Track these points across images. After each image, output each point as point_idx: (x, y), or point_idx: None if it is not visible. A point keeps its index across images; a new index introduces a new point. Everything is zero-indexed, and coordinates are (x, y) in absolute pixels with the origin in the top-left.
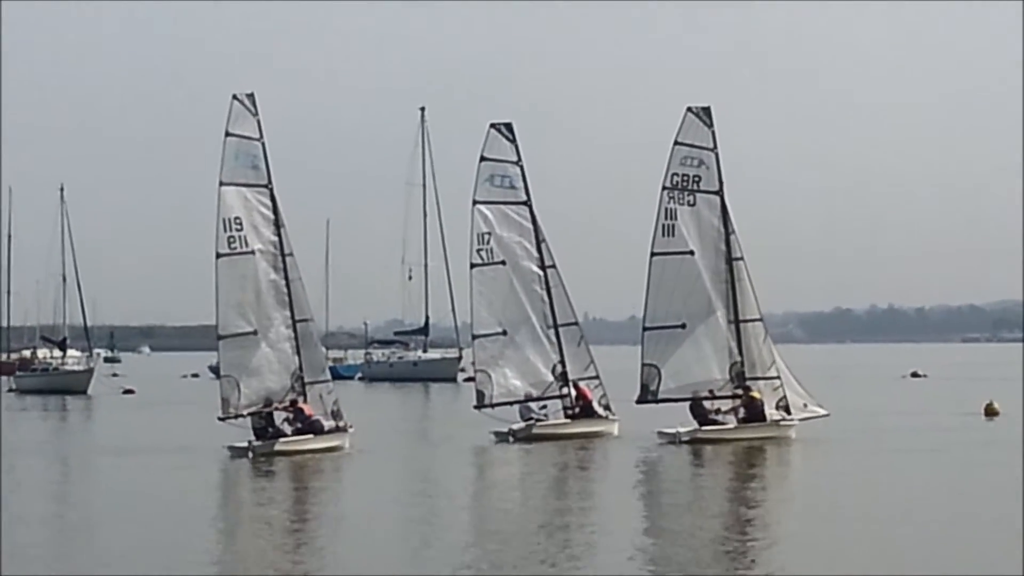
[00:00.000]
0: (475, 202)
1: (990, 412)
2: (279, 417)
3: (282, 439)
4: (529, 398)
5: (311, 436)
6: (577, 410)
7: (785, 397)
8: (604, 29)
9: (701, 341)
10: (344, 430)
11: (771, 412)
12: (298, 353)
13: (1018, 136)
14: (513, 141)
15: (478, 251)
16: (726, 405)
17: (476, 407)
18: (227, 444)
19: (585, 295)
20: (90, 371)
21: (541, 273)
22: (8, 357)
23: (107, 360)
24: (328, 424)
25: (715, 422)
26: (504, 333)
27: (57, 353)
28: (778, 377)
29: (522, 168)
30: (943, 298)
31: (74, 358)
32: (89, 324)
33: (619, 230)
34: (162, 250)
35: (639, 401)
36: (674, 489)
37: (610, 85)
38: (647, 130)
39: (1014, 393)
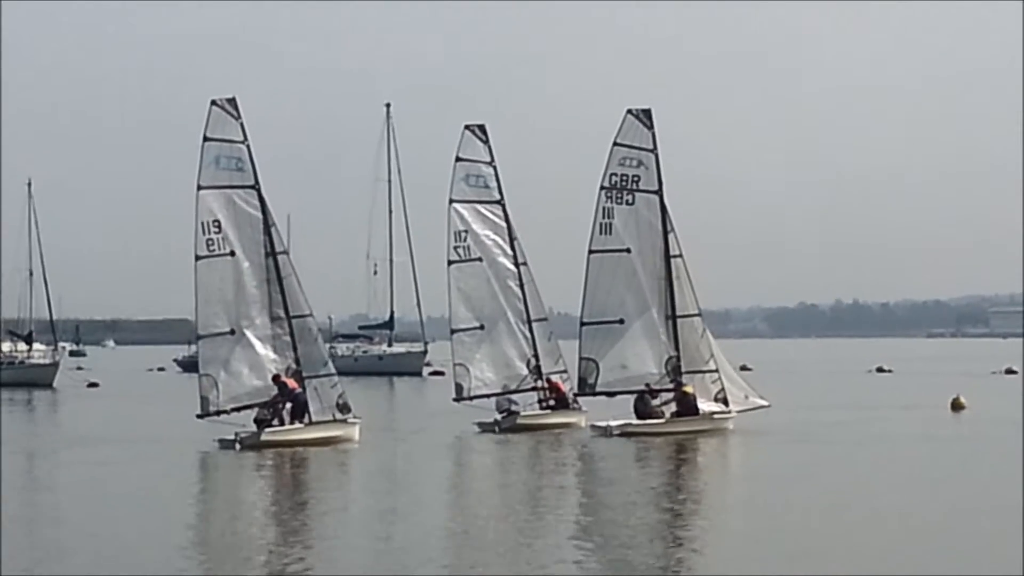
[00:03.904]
0: (451, 201)
1: (956, 406)
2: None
3: (268, 429)
4: (505, 390)
5: (302, 426)
6: (552, 402)
7: (723, 389)
8: (571, 28)
9: (637, 336)
10: (344, 421)
11: (709, 405)
12: (294, 349)
13: (983, 134)
14: (486, 142)
15: (455, 248)
16: (666, 403)
17: (455, 400)
18: (217, 437)
19: (549, 290)
20: (55, 364)
21: (515, 270)
22: None
23: (72, 354)
24: (316, 405)
25: (652, 417)
26: (481, 327)
27: (23, 347)
28: (716, 370)
29: (495, 168)
30: (908, 293)
31: (40, 351)
32: (55, 317)
33: (580, 227)
34: (127, 243)
35: (577, 394)
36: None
37: (568, 86)
38: (610, 129)
39: (980, 388)
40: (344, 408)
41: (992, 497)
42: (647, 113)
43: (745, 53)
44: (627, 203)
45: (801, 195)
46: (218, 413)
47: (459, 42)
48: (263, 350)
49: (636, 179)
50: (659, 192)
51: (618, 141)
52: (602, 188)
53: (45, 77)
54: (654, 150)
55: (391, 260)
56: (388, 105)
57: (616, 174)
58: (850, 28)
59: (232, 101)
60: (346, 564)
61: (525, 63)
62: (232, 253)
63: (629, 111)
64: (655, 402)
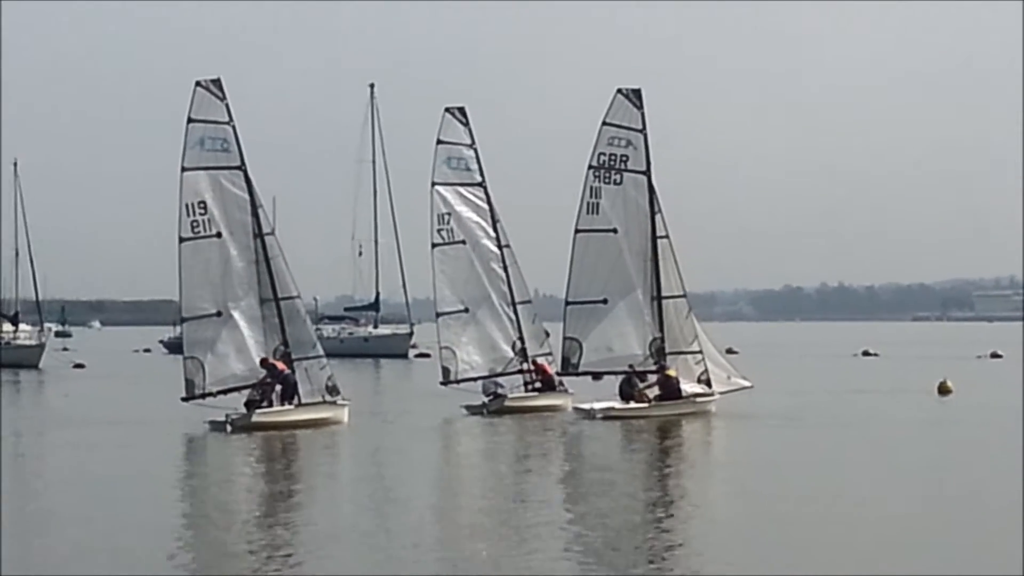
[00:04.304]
0: (434, 184)
1: (943, 390)
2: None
3: (259, 410)
4: (492, 373)
5: (292, 407)
6: (539, 385)
7: (707, 371)
8: (559, 8)
9: (621, 317)
10: (334, 403)
11: (692, 386)
12: (282, 331)
13: (965, 116)
14: (467, 124)
15: (439, 231)
16: (649, 386)
17: (442, 383)
18: (207, 419)
19: (535, 272)
20: (41, 346)
21: (499, 252)
22: None
23: (58, 335)
24: (306, 387)
25: (637, 399)
26: (466, 310)
27: (8, 327)
28: (700, 351)
29: (476, 150)
30: (893, 276)
31: (25, 332)
32: (40, 298)
33: (565, 208)
34: (113, 224)
35: (560, 373)
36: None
37: (558, 65)
38: (592, 110)
39: (966, 372)
40: (333, 390)
41: (980, 483)
42: (637, 93)
43: (737, 42)
44: (615, 183)
45: (787, 179)
46: (204, 396)
47: (444, 23)
48: (250, 332)
49: (624, 159)
50: (647, 172)
51: (607, 120)
52: (590, 167)
53: (34, 59)
54: (643, 130)
55: (376, 241)
56: (372, 86)
57: (604, 153)
58: (842, 19)
59: (217, 82)
60: (334, 554)
61: (513, 43)
62: (218, 234)
63: (619, 90)
64: (640, 385)
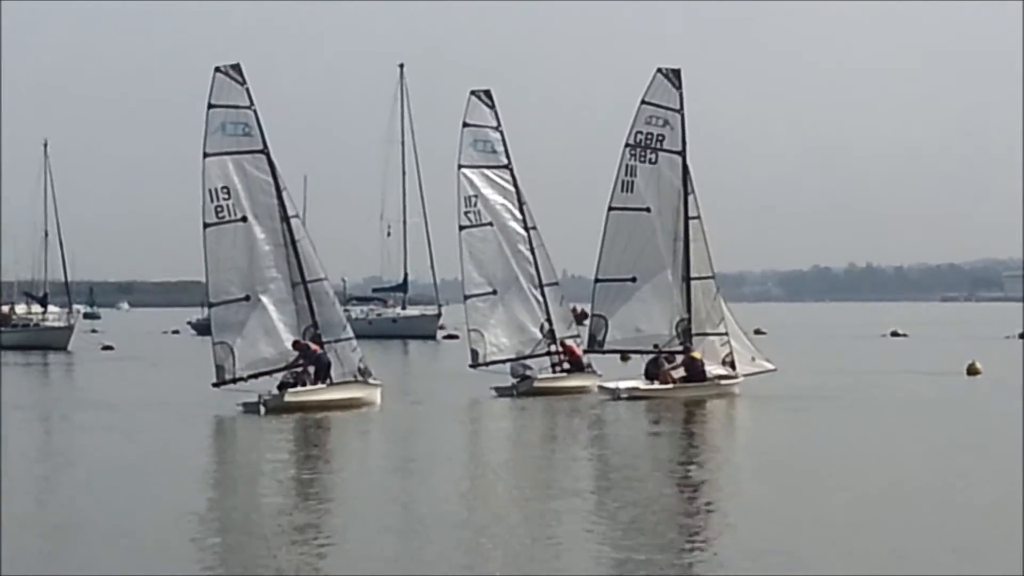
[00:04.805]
0: (460, 166)
1: (972, 371)
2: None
3: (291, 390)
4: (520, 356)
5: (325, 386)
6: (567, 366)
7: (731, 353)
8: None
9: (649, 296)
10: (367, 383)
11: (717, 368)
12: (311, 313)
13: (992, 97)
14: (492, 107)
15: (466, 213)
16: (674, 367)
17: (471, 366)
18: (240, 401)
19: (564, 253)
20: (70, 327)
21: (525, 234)
22: None
23: (87, 316)
24: (338, 370)
25: (661, 380)
26: (494, 292)
27: (37, 309)
28: (726, 333)
29: (502, 133)
30: (922, 256)
31: (54, 314)
32: (69, 279)
33: (593, 188)
34: (142, 205)
35: (586, 350)
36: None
37: (585, 47)
38: (621, 91)
39: (995, 352)
40: (365, 372)
41: (1007, 462)
42: (676, 73)
43: (761, 20)
44: (650, 162)
45: (815, 159)
46: (234, 381)
47: (474, 4)
48: (279, 315)
49: (661, 138)
50: (682, 153)
51: (646, 99)
52: (626, 145)
53: (63, 40)
54: (680, 110)
55: (405, 222)
56: (401, 66)
57: (642, 132)
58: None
59: (236, 67)
60: (362, 537)
61: (542, 24)
62: (244, 219)
63: (659, 70)
64: (666, 366)
